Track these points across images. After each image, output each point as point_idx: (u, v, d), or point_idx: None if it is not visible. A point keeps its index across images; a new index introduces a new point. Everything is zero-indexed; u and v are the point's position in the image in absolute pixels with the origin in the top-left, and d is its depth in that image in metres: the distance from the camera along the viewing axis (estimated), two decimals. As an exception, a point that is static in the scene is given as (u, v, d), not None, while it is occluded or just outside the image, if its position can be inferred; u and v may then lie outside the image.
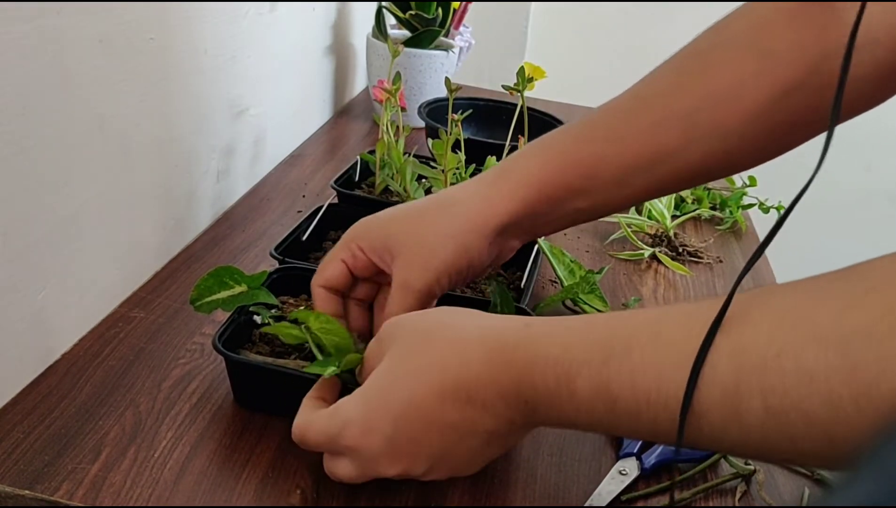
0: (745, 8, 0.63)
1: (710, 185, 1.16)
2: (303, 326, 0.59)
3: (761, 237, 1.09)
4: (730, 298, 0.44)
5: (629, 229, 0.99)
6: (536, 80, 0.88)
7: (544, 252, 0.83)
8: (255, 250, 0.87)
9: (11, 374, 0.62)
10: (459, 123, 0.86)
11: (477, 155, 0.94)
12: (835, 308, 0.39)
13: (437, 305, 0.63)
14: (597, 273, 0.83)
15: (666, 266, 0.96)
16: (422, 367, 0.51)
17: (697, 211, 1.08)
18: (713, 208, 1.11)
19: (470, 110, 0.93)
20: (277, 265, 0.73)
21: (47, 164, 0.62)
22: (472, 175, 0.91)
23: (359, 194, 0.91)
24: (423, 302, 0.62)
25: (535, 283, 0.78)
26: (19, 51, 0.57)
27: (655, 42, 2.02)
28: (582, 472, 0.62)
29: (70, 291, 0.67)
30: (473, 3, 1.37)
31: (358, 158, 0.96)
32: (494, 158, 0.92)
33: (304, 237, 0.81)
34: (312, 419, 0.54)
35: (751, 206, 1.13)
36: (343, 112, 1.37)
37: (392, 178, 0.92)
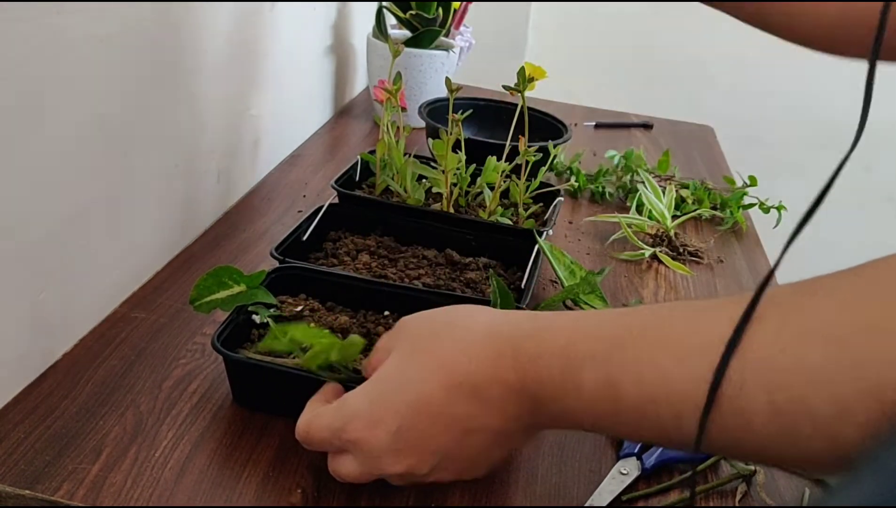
0: None
1: (711, 185, 1.16)
2: (288, 338, 0.60)
3: (761, 237, 1.09)
4: (756, 298, 0.42)
5: (629, 230, 0.99)
6: (537, 80, 0.88)
7: (544, 253, 0.83)
8: (255, 250, 0.87)
9: (12, 374, 0.62)
10: (460, 123, 0.86)
11: (477, 155, 0.94)
12: (840, 306, 0.39)
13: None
14: (597, 274, 0.83)
15: (667, 266, 0.96)
16: (430, 364, 0.51)
17: (698, 211, 1.08)
18: (714, 208, 1.11)
19: (470, 110, 0.93)
20: (278, 265, 0.73)
21: (48, 163, 0.62)
22: (472, 175, 0.92)
23: (359, 195, 0.91)
24: None
25: (536, 283, 0.78)
26: (19, 51, 0.57)
27: (655, 42, 2.03)
28: (582, 472, 0.62)
29: (71, 291, 0.67)
30: (474, 3, 1.37)
31: (358, 158, 0.96)
32: (494, 158, 0.92)
33: (305, 237, 0.81)
34: (318, 412, 0.53)
35: (751, 206, 1.13)
36: (343, 112, 1.37)
37: (392, 178, 0.92)
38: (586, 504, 0.59)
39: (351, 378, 0.60)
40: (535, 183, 0.92)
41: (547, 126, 1.15)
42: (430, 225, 0.86)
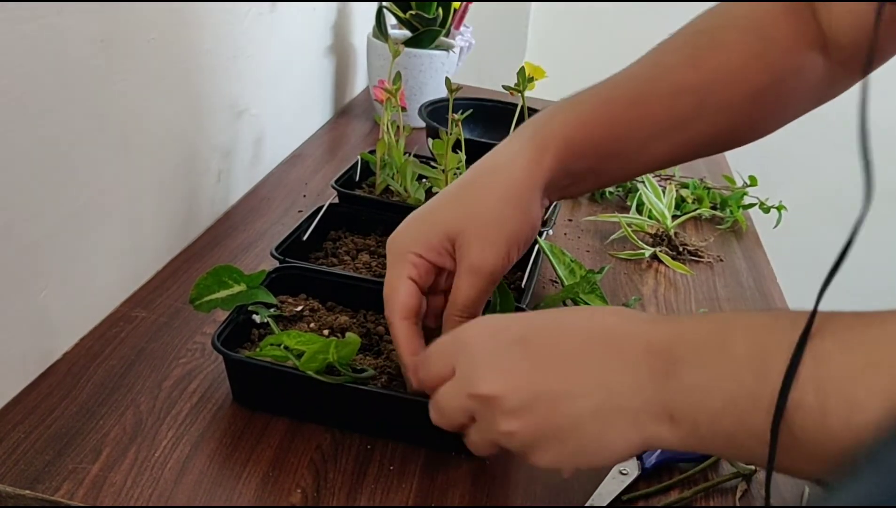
0: None
1: (711, 184, 1.16)
2: (282, 346, 0.60)
3: (762, 237, 1.09)
4: (814, 314, 0.42)
5: (629, 229, 0.99)
6: (537, 80, 0.88)
7: (545, 252, 0.83)
8: (255, 250, 0.87)
9: (12, 373, 0.62)
10: (460, 123, 0.86)
11: (477, 155, 0.94)
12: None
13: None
14: (597, 273, 0.83)
15: (667, 266, 0.96)
16: (560, 315, 0.51)
17: (698, 211, 1.08)
18: (713, 208, 1.11)
19: (470, 111, 0.93)
20: (278, 265, 0.73)
21: (48, 164, 0.62)
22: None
23: (359, 194, 0.91)
24: (495, 281, 0.60)
25: (536, 283, 0.78)
26: (20, 51, 0.57)
27: (654, 42, 2.03)
28: (582, 472, 0.62)
29: (71, 290, 0.67)
30: (474, 3, 1.37)
31: (358, 158, 0.96)
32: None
33: (305, 237, 0.81)
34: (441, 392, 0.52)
35: (751, 205, 1.13)
36: (343, 112, 1.37)
37: (392, 178, 0.92)
38: (586, 504, 0.59)
39: (351, 379, 0.60)
40: (535, 183, 0.92)
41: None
42: (430, 225, 0.86)
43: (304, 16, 1.14)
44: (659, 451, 0.63)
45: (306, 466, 0.59)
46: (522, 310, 0.70)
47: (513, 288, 0.78)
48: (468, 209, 0.60)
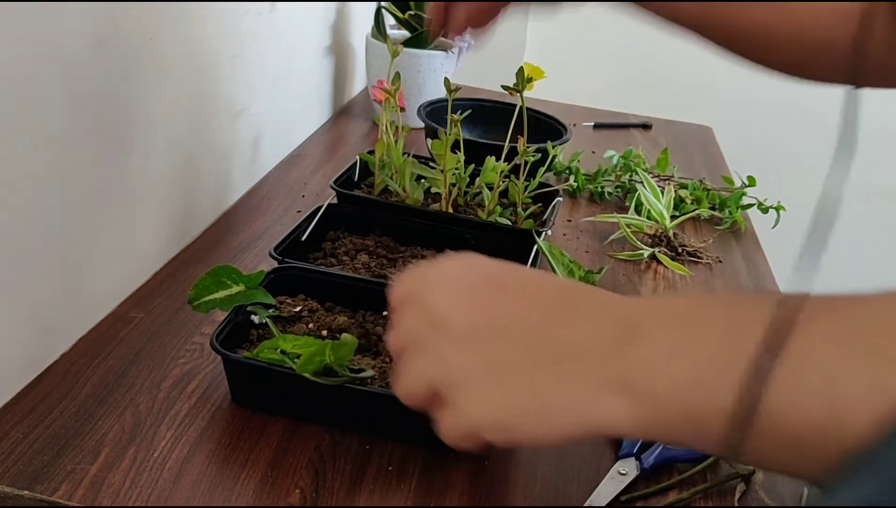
0: None
1: (710, 185, 1.16)
2: (278, 350, 0.60)
3: (760, 237, 1.09)
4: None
5: (628, 230, 0.99)
6: (535, 80, 0.88)
7: (543, 252, 0.83)
8: (254, 250, 0.87)
9: (11, 374, 0.62)
10: (458, 124, 0.86)
11: (476, 156, 0.94)
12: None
13: None
14: (596, 273, 0.83)
15: (665, 266, 0.96)
16: (541, 273, 0.48)
17: (697, 211, 1.08)
18: (712, 209, 1.11)
19: (469, 111, 0.93)
20: (277, 265, 0.73)
21: (46, 164, 0.62)
22: (471, 175, 0.92)
23: (358, 194, 0.91)
24: None
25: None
26: (19, 51, 0.57)
27: (654, 42, 2.03)
28: (581, 472, 0.62)
29: (69, 291, 0.67)
30: (473, 3, 1.37)
31: (357, 158, 0.96)
32: (493, 158, 0.92)
33: (304, 237, 0.81)
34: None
35: (750, 206, 1.13)
36: (342, 112, 1.37)
37: (391, 178, 0.92)
38: (585, 505, 0.59)
39: (349, 380, 0.60)
40: (534, 183, 0.92)
41: (546, 126, 1.15)
42: (429, 225, 0.86)
43: (303, 16, 1.14)
44: (658, 451, 0.63)
45: (305, 466, 0.59)
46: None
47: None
48: None
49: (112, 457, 0.57)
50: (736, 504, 0.61)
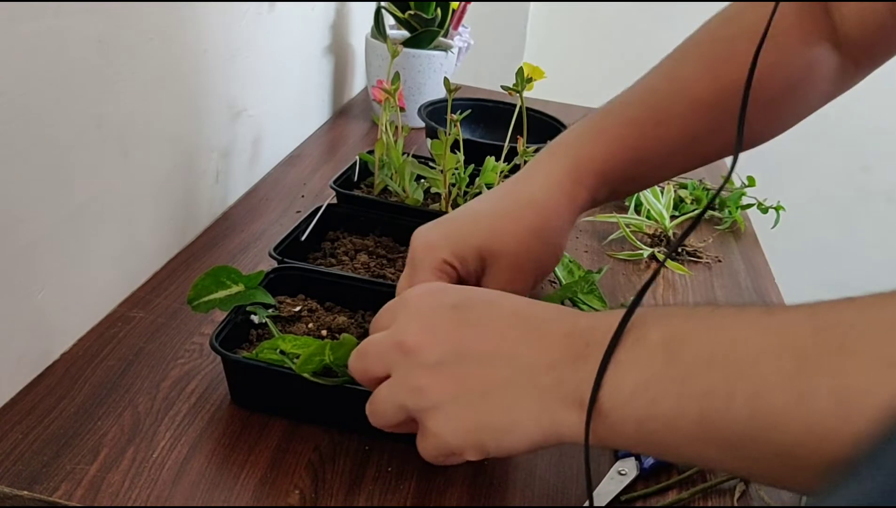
0: None
1: (709, 185, 1.16)
2: (278, 350, 0.60)
3: (760, 237, 1.09)
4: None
5: (628, 229, 0.99)
6: (535, 80, 0.88)
7: (543, 252, 0.83)
8: (254, 251, 0.87)
9: (10, 374, 0.62)
10: (458, 124, 0.86)
11: (476, 156, 0.94)
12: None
13: None
14: (596, 273, 0.83)
15: (665, 266, 0.96)
16: (499, 294, 0.51)
17: (696, 211, 1.08)
18: (712, 208, 1.11)
19: (469, 111, 0.93)
20: (276, 266, 0.73)
21: (46, 164, 0.62)
22: (471, 175, 0.92)
23: (358, 195, 0.91)
24: None
25: (534, 283, 0.78)
26: (18, 51, 0.57)
27: (653, 42, 2.03)
28: (580, 472, 0.62)
29: (69, 291, 0.67)
30: (472, 3, 1.37)
31: (357, 158, 0.96)
32: (493, 158, 0.92)
33: (303, 238, 0.81)
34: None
35: (749, 206, 1.13)
36: (342, 112, 1.37)
37: (391, 178, 0.92)
38: (585, 505, 0.59)
39: (349, 380, 0.60)
40: (534, 183, 0.92)
41: (546, 126, 1.14)
42: (429, 225, 0.86)
43: (303, 16, 1.14)
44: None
45: (304, 467, 0.59)
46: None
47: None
48: (505, 240, 0.62)
49: (111, 457, 0.57)
50: (735, 504, 0.61)
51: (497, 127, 1.13)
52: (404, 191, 0.90)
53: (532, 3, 1.98)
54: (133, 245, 0.76)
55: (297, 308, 0.70)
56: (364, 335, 0.68)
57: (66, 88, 0.63)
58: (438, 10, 1.26)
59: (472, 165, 0.93)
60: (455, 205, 0.91)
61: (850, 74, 0.68)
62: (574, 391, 0.45)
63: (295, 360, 0.59)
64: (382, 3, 1.28)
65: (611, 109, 0.68)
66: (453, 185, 0.90)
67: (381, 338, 0.52)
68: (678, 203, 1.09)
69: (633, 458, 0.63)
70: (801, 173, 1.99)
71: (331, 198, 0.88)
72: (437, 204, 0.91)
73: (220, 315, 0.69)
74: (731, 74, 0.65)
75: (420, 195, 0.90)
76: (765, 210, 1.12)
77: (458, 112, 0.87)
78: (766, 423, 0.37)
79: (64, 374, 0.65)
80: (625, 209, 1.05)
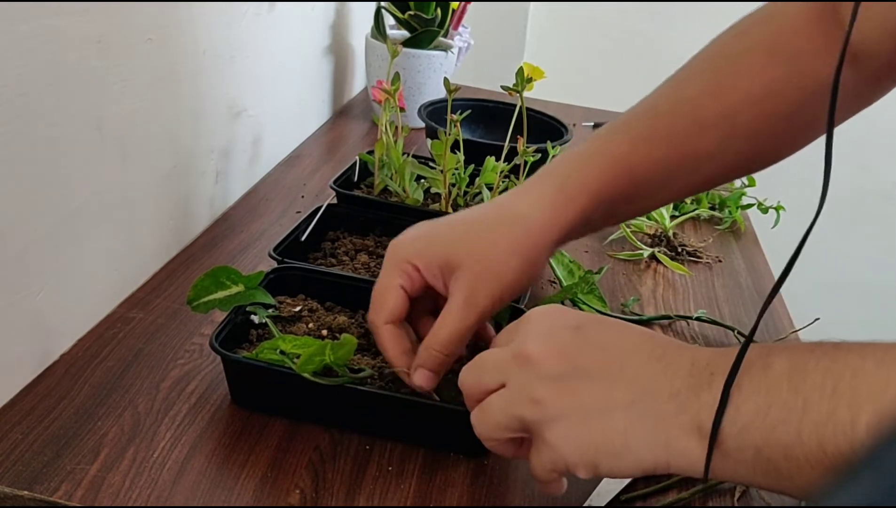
0: (766, 11, 0.65)
1: (709, 185, 1.16)
2: (278, 351, 0.60)
3: (760, 237, 1.09)
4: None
5: (628, 230, 0.99)
6: (535, 80, 0.88)
7: (543, 252, 0.83)
8: (253, 251, 0.87)
9: (10, 375, 0.62)
10: (458, 124, 0.86)
11: (476, 156, 0.94)
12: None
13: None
14: (596, 273, 0.83)
15: (665, 266, 0.96)
16: (623, 323, 0.52)
17: (696, 211, 1.08)
18: (712, 208, 1.11)
19: (469, 111, 0.93)
20: (276, 266, 0.73)
21: (45, 164, 0.62)
22: (471, 175, 0.92)
23: (358, 195, 0.91)
24: (483, 320, 0.60)
25: (534, 283, 0.78)
26: (18, 51, 0.57)
27: (653, 42, 2.03)
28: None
29: (69, 292, 0.67)
30: (472, 3, 1.37)
31: (357, 158, 0.96)
32: (493, 158, 0.92)
33: (303, 238, 0.81)
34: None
35: (749, 206, 1.13)
36: (342, 112, 1.37)
37: (391, 178, 0.92)
38: (585, 504, 0.59)
39: (349, 380, 0.60)
40: (534, 183, 0.92)
41: (546, 126, 1.14)
42: (429, 225, 0.86)
43: (302, 16, 1.14)
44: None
45: (305, 466, 0.59)
46: (521, 310, 0.70)
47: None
48: (476, 248, 0.59)
49: (112, 457, 0.57)
50: (735, 504, 0.61)
51: (498, 128, 1.13)
52: (404, 191, 0.90)
53: (532, 3, 1.98)
54: (133, 246, 0.76)
55: (298, 308, 0.70)
56: (364, 334, 0.68)
57: (65, 88, 0.63)
58: (438, 10, 1.26)
59: (472, 165, 0.93)
60: (455, 205, 0.91)
61: (868, 91, 0.66)
62: (694, 419, 0.45)
63: (295, 360, 0.59)
64: (382, 4, 1.28)
65: (611, 130, 0.66)
66: (453, 185, 0.90)
67: (500, 351, 0.52)
68: (678, 203, 1.09)
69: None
70: (800, 173, 1.99)
71: (331, 198, 0.88)
72: (437, 204, 0.91)
73: (220, 316, 0.69)
74: (737, 91, 0.63)
75: (420, 195, 0.90)
76: (765, 210, 1.12)
77: (458, 112, 0.87)
78: None
79: (64, 375, 0.65)
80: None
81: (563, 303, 0.81)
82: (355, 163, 0.96)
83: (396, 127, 0.92)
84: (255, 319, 0.67)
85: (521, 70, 0.86)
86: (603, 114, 1.51)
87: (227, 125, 0.93)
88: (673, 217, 1.03)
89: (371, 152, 0.95)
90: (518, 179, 0.91)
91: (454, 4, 1.30)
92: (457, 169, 0.89)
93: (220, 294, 0.66)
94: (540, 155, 0.90)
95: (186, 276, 0.81)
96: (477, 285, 0.58)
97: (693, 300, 0.90)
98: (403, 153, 0.91)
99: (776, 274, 0.99)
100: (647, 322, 0.83)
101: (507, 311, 0.69)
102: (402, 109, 0.92)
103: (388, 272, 0.61)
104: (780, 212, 1.10)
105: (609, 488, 0.60)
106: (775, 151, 0.68)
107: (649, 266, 0.96)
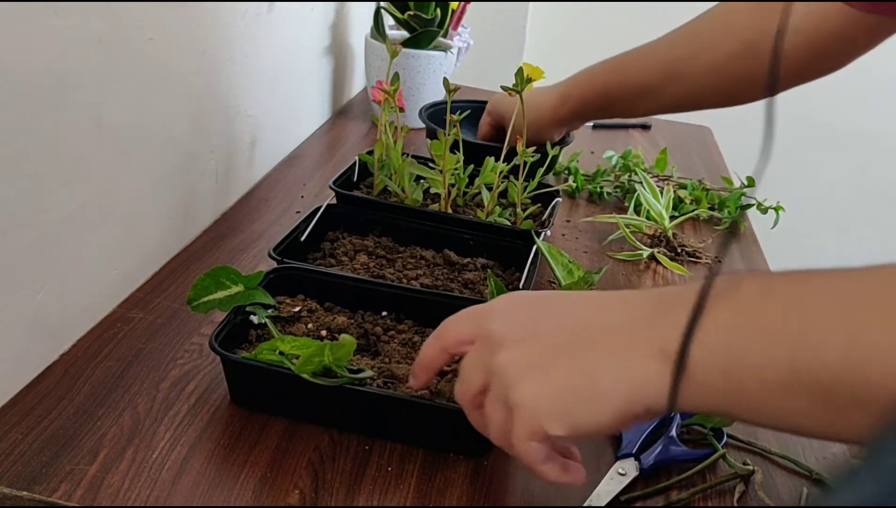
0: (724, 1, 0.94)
1: (709, 185, 1.16)
2: (277, 351, 0.60)
3: (759, 237, 1.09)
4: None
5: (627, 230, 0.99)
6: (535, 80, 0.88)
7: (542, 252, 0.83)
8: (253, 251, 0.87)
9: (10, 374, 0.62)
10: (458, 124, 0.86)
11: (476, 157, 0.94)
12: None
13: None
14: (596, 273, 0.82)
15: (664, 267, 0.96)
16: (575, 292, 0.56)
17: (696, 212, 1.08)
18: (711, 209, 1.11)
19: (468, 111, 0.93)
20: (276, 266, 0.73)
21: (45, 164, 0.62)
22: (470, 176, 0.92)
23: (357, 195, 0.91)
24: None
25: (534, 283, 0.78)
26: (17, 50, 0.57)
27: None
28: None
29: (68, 291, 0.67)
30: (472, 3, 1.37)
31: (356, 158, 0.96)
32: (492, 158, 0.92)
33: (303, 238, 0.81)
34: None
35: (749, 206, 1.13)
36: (341, 113, 1.37)
37: (390, 178, 0.92)
38: (584, 504, 0.59)
39: (348, 380, 0.60)
40: (533, 184, 0.92)
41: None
42: (428, 225, 0.86)
43: (302, 16, 1.14)
44: (658, 451, 0.63)
45: (304, 467, 0.59)
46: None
47: (510, 289, 0.78)
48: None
49: (111, 458, 0.57)
50: (735, 504, 0.61)
51: (497, 128, 1.13)
52: (404, 191, 0.90)
53: (532, 3, 1.98)
54: (132, 246, 0.76)
55: (297, 309, 0.70)
56: (364, 334, 0.68)
57: (65, 87, 0.63)
58: (438, 11, 1.26)
59: (472, 166, 0.93)
60: (454, 205, 0.91)
61: (868, 28, 0.81)
62: (661, 342, 0.43)
63: (294, 361, 0.59)
64: (382, 4, 1.28)
65: (603, 62, 1.01)
66: (452, 185, 0.90)
67: (470, 353, 0.52)
68: (678, 203, 1.09)
69: (632, 458, 0.63)
70: (800, 174, 1.99)
71: (330, 198, 0.88)
72: (437, 204, 0.91)
73: (219, 316, 0.69)
74: (686, 45, 0.95)
75: (419, 196, 0.90)
76: (764, 210, 1.12)
77: (458, 112, 0.87)
78: (860, 370, 0.37)
79: (63, 374, 0.65)
80: (624, 210, 1.06)
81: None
82: (355, 163, 0.96)
83: (396, 127, 0.92)
84: (255, 319, 0.67)
85: (520, 70, 0.86)
86: (602, 114, 1.51)
87: (227, 125, 0.93)
88: (672, 218, 1.03)
89: (370, 153, 0.95)
90: (517, 179, 0.91)
91: (454, 4, 1.30)
92: (456, 169, 0.89)
93: (220, 294, 0.66)
94: (539, 155, 0.90)
95: (186, 276, 0.81)
96: None
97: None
98: (403, 153, 0.91)
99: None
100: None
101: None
102: (401, 110, 0.92)
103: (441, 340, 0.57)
104: (780, 212, 1.10)
105: (609, 488, 0.60)
106: (716, 96, 0.96)
107: (648, 267, 0.96)
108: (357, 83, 1.46)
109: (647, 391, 0.44)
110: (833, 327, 0.38)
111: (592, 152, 1.29)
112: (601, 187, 1.13)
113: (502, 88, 0.86)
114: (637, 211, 1.03)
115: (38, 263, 0.63)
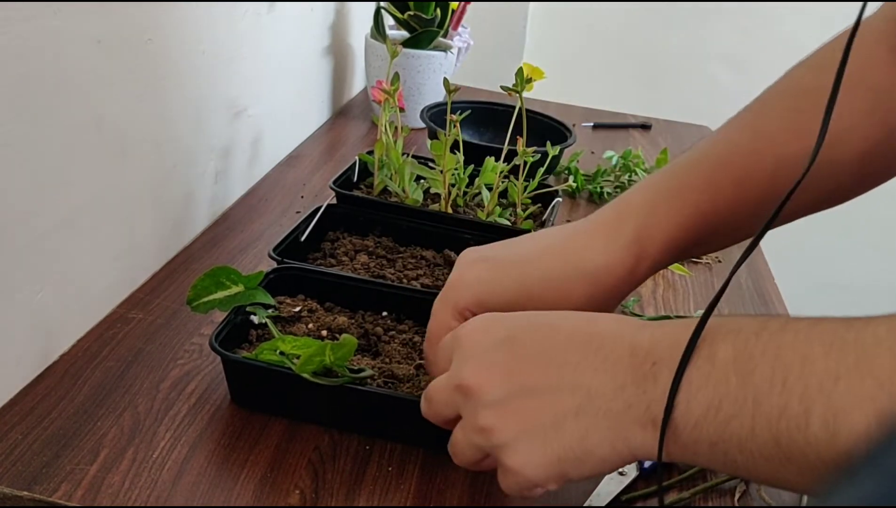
0: (841, 43, 0.60)
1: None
2: (277, 351, 0.60)
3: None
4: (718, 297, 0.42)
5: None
6: (535, 80, 0.88)
7: (543, 253, 0.83)
8: (253, 251, 0.87)
9: (9, 375, 0.62)
10: (458, 124, 0.86)
11: (476, 157, 0.94)
12: None
13: None
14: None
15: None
16: (552, 317, 0.51)
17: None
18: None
19: (468, 111, 0.93)
20: (276, 266, 0.73)
21: (45, 164, 0.62)
22: (470, 176, 0.92)
23: (357, 195, 0.91)
24: None
25: (534, 283, 0.78)
26: (17, 51, 0.57)
27: (653, 43, 2.03)
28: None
29: (68, 291, 0.67)
30: (472, 3, 1.37)
31: (356, 158, 0.96)
32: (492, 158, 0.92)
33: (303, 238, 0.81)
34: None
35: (749, 206, 1.12)
36: (341, 113, 1.37)
37: (391, 178, 0.92)
38: (585, 504, 0.59)
39: (349, 380, 0.60)
40: (534, 184, 0.92)
41: (547, 127, 1.14)
42: (429, 225, 0.86)
43: (302, 16, 1.14)
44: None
45: (304, 467, 0.59)
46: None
47: (511, 289, 0.78)
48: (545, 305, 0.58)
49: (111, 458, 0.57)
50: (736, 504, 0.61)
51: (498, 129, 1.13)
52: (404, 191, 0.90)
53: (532, 3, 1.98)
54: (132, 246, 0.76)
55: (297, 309, 0.70)
56: (364, 334, 0.68)
57: (64, 87, 0.63)
58: (438, 11, 1.26)
59: (472, 166, 0.93)
60: (455, 205, 0.91)
61: None
62: (646, 413, 0.44)
63: (295, 360, 0.59)
64: (382, 4, 1.28)
65: (686, 165, 0.62)
66: (453, 185, 0.90)
67: (442, 383, 0.52)
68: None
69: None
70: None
71: (330, 198, 0.88)
72: (437, 204, 0.91)
73: (219, 316, 0.69)
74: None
75: (420, 196, 0.90)
76: (764, 210, 1.11)
77: (458, 112, 0.87)
78: (846, 445, 0.37)
79: (63, 374, 0.65)
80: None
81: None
82: (355, 163, 0.96)
83: (396, 127, 0.92)
84: (255, 319, 0.67)
85: (520, 70, 0.86)
86: (603, 114, 1.51)
87: (227, 125, 0.93)
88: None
89: (371, 153, 0.95)
90: (517, 179, 0.90)
91: (454, 4, 1.30)
92: (456, 169, 0.89)
93: (220, 294, 0.66)
94: (539, 155, 0.90)
95: (186, 276, 0.81)
96: None
97: (693, 301, 0.90)
98: (403, 153, 0.91)
99: (776, 274, 0.99)
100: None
101: None
102: (401, 110, 0.92)
103: (445, 312, 0.60)
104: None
105: (609, 488, 0.60)
106: (859, 186, 0.66)
107: (649, 266, 0.96)
108: (357, 83, 1.46)
109: (639, 454, 0.46)
110: (815, 402, 0.38)
111: (592, 152, 1.29)
112: (601, 187, 1.13)
113: (502, 88, 0.86)
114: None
115: (38, 263, 0.63)
